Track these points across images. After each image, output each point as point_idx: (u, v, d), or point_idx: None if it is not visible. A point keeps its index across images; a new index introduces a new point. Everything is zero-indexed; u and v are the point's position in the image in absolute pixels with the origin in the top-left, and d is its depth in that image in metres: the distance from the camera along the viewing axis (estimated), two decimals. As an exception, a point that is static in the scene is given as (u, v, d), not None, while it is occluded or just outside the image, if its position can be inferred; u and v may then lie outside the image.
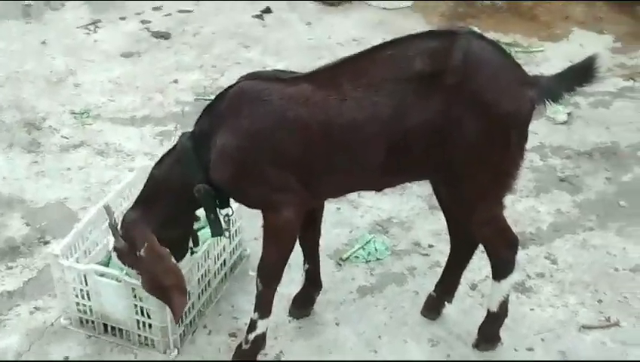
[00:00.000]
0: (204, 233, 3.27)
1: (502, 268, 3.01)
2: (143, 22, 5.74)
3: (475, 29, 2.85)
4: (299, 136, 2.73)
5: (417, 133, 2.66)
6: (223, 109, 2.83)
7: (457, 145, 2.67)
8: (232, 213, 3.09)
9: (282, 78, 2.81)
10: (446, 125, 2.64)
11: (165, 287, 2.89)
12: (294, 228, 2.92)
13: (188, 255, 3.14)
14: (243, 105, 2.78)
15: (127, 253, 2.95)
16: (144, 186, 3.01)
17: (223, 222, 3.05)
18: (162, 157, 3.01)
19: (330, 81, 2.72)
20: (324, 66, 2.80)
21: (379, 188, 3.02)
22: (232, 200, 3.02)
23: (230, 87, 2.86)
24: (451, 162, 2.71)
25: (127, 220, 2.98)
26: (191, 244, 3.17)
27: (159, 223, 2.92)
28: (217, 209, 2.98)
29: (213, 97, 4.76)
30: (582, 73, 2.72)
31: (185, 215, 3.03)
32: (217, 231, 3.03)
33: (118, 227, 3.00)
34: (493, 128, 2.67)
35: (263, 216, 2.92)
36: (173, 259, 2.91)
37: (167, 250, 2.89)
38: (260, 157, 2.78)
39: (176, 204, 2.95)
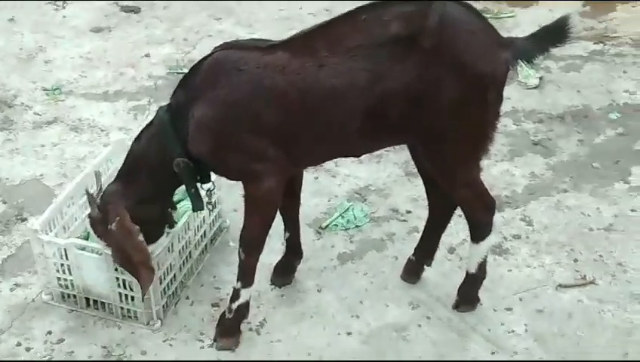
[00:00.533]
0: (183, 205, 3.28)
1: (480, 230, 3.05)
2: (112, -4, 5.68)
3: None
4: (277, 104, 2.73)
5: (395, 96, 2.68)
6: (198, 81, 2.82)
7: (435, 107, 2.70)
8: (214, 187, 3.10)
9: (258, 46, 2.80)
10: (423, 88, 2.67)
11: (133, 263, 2.91)
12: (275, 198, 2.93)
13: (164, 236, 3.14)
14: (219, 76, 2.78)
15: (99, 223, 2.96)
16: (124, 161, 3.00)
17: (204, 196, 3.06)
18: (141, 132, 3.00)
19: (306, 48, 2.72)
20: (301, 33, 2.80)
21: (358, 154, 3.04)
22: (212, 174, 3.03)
23: (205, 58, 2.85)
24: (430, 124, 2.74)
25: (105, 192, 2.98)
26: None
27: (137, 199, 2.92)
28: (197, 183, 2.98)
29: (185, 70, 4.77)
30: (554, 34, 2.77)
31: (164, 192, 3.03)
32: (198, 205, 3.03)
33: (97, 197, 3.00)
34: (470, 89, 2.70)
35: (244, 187, 2.93)
36: (141, 237, 2.90)
37: (137, 227, 2.89)
38: (238, 127, 2.78)
39: (156, 179, 2.95)
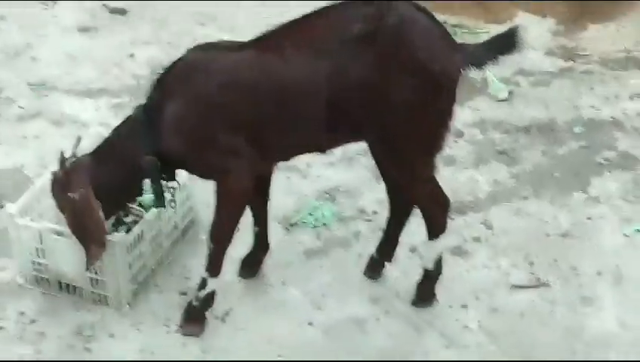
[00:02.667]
0: (146, 198, 3.40)
1: (435, 227, 3.20)
2: (100, -2, 5.81)
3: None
4: (246, 100, 2.88)
5: (354, 92, 2.84)
6: (171, 80, 2.97)
7: (390, 104, 2.86)
8: (178, 185, 3.23)
9: (228, 46, 2.96)
10: (380, 85, 2.83)
11: (86, 234, 3.01)
12: (246, 193, 3.07)
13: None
14: (190, 75, 2.93)
15: (60, 185, 3.04)
16: (99, 144, 3.13)
17: (168, 193, 3.19)
18: (118, 125, 3.14)
19: (272, 46, 2.89)
20: (267, 32, 2.97)
21: (323, 149, 3.18)
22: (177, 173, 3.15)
23: (178, 59, 3.00)
24: (385, 121, 2.89)
25: (77, 160, 3.08)
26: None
27: (102, 181, 3.02)
28: (162, 181, 3.11)
29: (165, 70, 4.89)
30: (504, 43, 2.95)
31: (127, 183, 3.12)
32: (160, 203, 3.17)
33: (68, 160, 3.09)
34: (423, 88, 2.86)
35: (215, 181, 3.06)
36: (101, 214, 3.01)
37: (99, 202, 3.00)
38: (209, 124, 2.92)
39: (123, 170, 3.06)
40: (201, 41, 5.08)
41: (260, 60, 2.87)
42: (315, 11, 2.91)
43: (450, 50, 2.91)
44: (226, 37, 5.27)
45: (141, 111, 3.04)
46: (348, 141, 3.17)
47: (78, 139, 3.22)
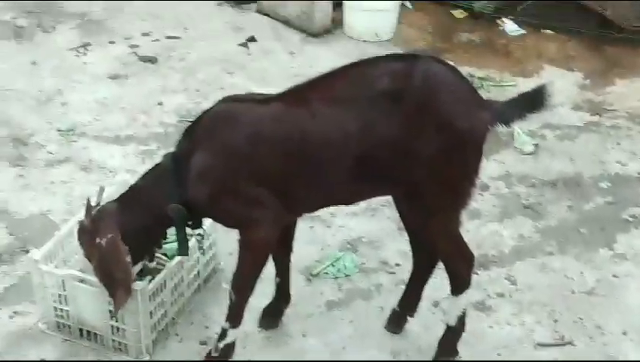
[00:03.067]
0: (168, 246, 3.42)
1: (459, 283, 3.17)
2: (131, 46, 5.91)
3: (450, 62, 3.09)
4: (273, 153, 2.90)
5: (380, 147, 2.85)
6: (200, 131, 3.01)
7: (417, 161, 2.86)
8: (204, 233, 3.25)
9: (255, 99, 2.99)
10: (406, 141, 2.83)
11: (113, 280, 3.03)
12: (269, 245, 3.08)
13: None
14: (218, 127, 2.97)
15: (87, 232, 3.08)
16: (127, 190, 3.17)
17: (196, 240, 3.23)
18: (146, 172, 3.18)
19: (300, 100, 2.91)
20: (295, 86, 3.00)
21: (349, 202, 3.19)
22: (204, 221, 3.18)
23: (207, 110, 3.05)
24: (411, 176, 2.90)
25: (103, 208, 3.12)
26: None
27: (128, 227, 3.04)
28: (187, 229, 3.13)
29: (195, 120, 4.95)
30: (532, 100, 2.95)
31: (153, 230, 3.14)
32: (183, 250, 3.19)
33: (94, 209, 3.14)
34: (449, 145, 2.86)
35: (239, 232, 3.07)
36: (129, 258, 3.03)
37: (127, 248, 3.02)
38: (235, 176, 2.94)
39: (150, 216, 3.08)
40: (229, 89, 5.26)
41: (287, 114, 2.90)
42: (342, 67, 2.94)
43: (478, 107, 2.91)
44: (254, 87, 5.37)
45: (169, 160, 3.08)
46: (374, 195, 3.16)
47: (102, 189, 3.27)
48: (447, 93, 2.86)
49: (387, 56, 2.99)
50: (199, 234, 3.22)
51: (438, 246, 3.10)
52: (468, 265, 3.14)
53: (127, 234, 3.03)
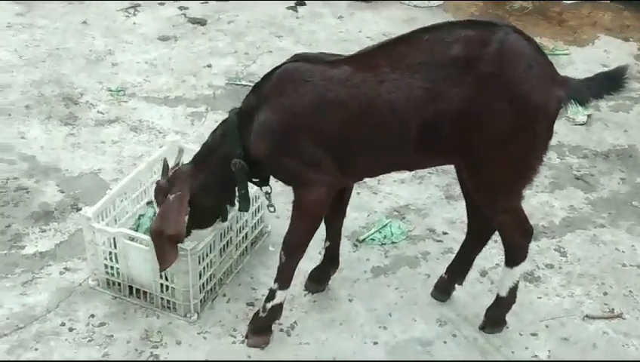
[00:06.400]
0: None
1: (515, 255, 3.13)
2: (180, 8, 5.92)
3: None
4: (337, 116, 2.87)
5: (448, 116, 2.79)
6: (267, 88, 2.99)
7: (484, 133, 2.80)
8: (271, 190, 3.25)
9: (325, 60, 2.96)
10: (475, 112, 2.77)
11: (165, 236, 3.04)
12: (323, 207, 3.07)
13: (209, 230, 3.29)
14: (286, 85, 2.94)
15: (162, 191, 3.14)
16: (200, 149, 3.20)
17: (266, 199, 3.24)
18: (215, 129, 3.19)
19: (369, 64, 2.86)
20: (365, 49, 2.96)
21: (411, 168, 3.16)
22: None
23: (277, 67, 3.02)
24: (477, 148, 2.84)
25: (179, 169, 3.18)
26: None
27: (200, 185, 3.09)
28: (248, 185, 3.14)
29: (244, 82, 4.98)
30: (610, 81, 2.85)
31: (224, 186, 3.17)
32: (244, 205, 3.20)
33: (171, 169, 3.21)
34: (520, 120, 2.78)
35: (294, 192, 3.07)
36: (186, 218, 3.05)
37: (189, 208, 3.04)
38: (298, 135, 2.92)
39: (219, 172, 3.11)
40: (277, 53, 5.25)
41: (355, 78, 2.85)
42: (415, 31, 2.87)
43: (553, 83, 2.82)
44: (303, 51, 5.33)
45: (236, 116, 3.09)
46: (436, 164, 3.12)
47: (181, 152, 3.33)
48: (523, 65, 2.76)
49: (463, 22, 2.90)
50: (267, 192, 3.23)
51: (497, 219, 3.05)
52: (526, 238, 3.10)
53: (198, 194, 3.08)
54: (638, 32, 5.71)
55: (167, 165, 3.24)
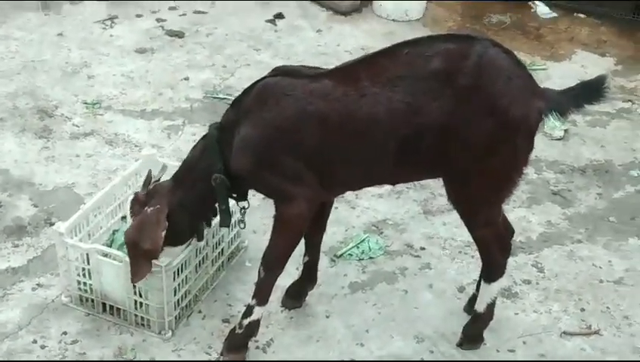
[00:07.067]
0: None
1: (493, 271, 3.13)
2: (158, 20, 5.89)
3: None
4: (318, 130, 2.86)
5: (428, 129, 2.78)
6: (248, 103, 2.97)
7: (464, 146, 2.79)
8: (248, 206, 3.22)
9: (306, 73, 2.94)
10: (455, 125, 2.76)
11: (140, 249, 3.01)
12: (304, 222, 3.04)
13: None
14: (267, 99, 2.92)
15: (139, 203, 3.11)
16: (180, 165, 3.18)
17: (239, 213, 3.21)
18: (195, 144, 3.16)
19: (350, 78, 2.85)
20: (346, 63, 2.95)
21: (393, 182, 3.15)
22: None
23: (257, 81, 3.00)
24: (457, 161, 2.83)
25: (159, 183, 3.16)
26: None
27: (179, 202, 3.05)
28: (229, 200, 3.10)
29: (222, 96, 4.95)
30: (590, 91, 2.85)
31: (202, 203, 3.13)
32: (225, 221, 3.16)
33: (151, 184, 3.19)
34: (501, 132, 2.78)
35: (276, 206, 3.04)
36: (163, 233, 3.01)
37: (167, 224, 3.01)
38: (280, 149, 2.90)
39: (198, 189, 3.08)
40: (256, 66, 5.22)
41: (336, 91, 2.84)
42: (395, 45, 2.86)
43: (533, 95, 2.81)
44: (280, 64, 5.31)
45: (215, 130, 3.06)
46: (416, 178, 3.11)
47: (164, 168, 3.30)
48: (502, 77, 2.76)
49: (443, 35, 2.90)
50: (243, 208, 3.20)
51: (476, 234, 3.05)
52: (505, 254, 3.09)
53: (176, 210, 3.05)
54: (615, 47, 5.75)
55: (151, 177, 3.20)
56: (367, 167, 2.94)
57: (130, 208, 3.17)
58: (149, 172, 3.23)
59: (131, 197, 3.23)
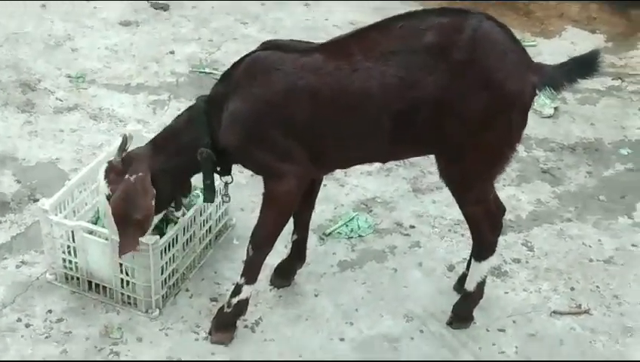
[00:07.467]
0: (194, 201, 3.34)
1: (483, 249, 3.10)
2: (143, -8, 5.78)
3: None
4: (309, 104, 2.80)
5: (422, 104, 2.74)
6: (237, 76, 2.91)
7: (458, 121, 2.75)
8: (232, 180, 3.17)
9: (296, 48, 2.88)
10: (449, 99, 2.72)
11: (131, 219, 2.94)
12: (294, 199, 2.99)
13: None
14: (257, 73, 2.86)
15: (115, 171, 3.00)
16: (161, 131, 3.09)
17: (222, 188, 3.15)
18: (180, 114, 3.10)
19: (342, 52, 2.80)
20: (338, 37, 2.90)
21: (384, 160, 3.11)
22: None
23: (247, 55, 2.93)
24: (451, 136, 2.80)
25: (136, 150, 3.06)
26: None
27: (159, 168, 2.98)
28: (214, 175, 3.05)
29: (208, 70, 4.87)
30: (584, 65, 2.81)
31: (182, 172, 3.08)
32: (210, 197, 3.11)
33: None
34: (494, 107, 2.74)
35: (265, 183, 2.99)
36: (153, 201, 2.95)
37: (154, 191, 2.95)
38: (269, 124, 2.84)
39: (180, 158, 3.02)
40: (243, 40, 5.14)
41: (327, 66, 2.78)
42: (388, 19, 2.81)
43: (527, 69, 2.78)
44: (268, 38, 5.23)
45: (204, 103, 2.99)
46: (409, 155, 3.08)
47: (130, 138, 3.13)
48: (497, 52, 2.72)
49: (437, 9, 2.84)
50: (226, 183, 3.15)
51: (467, 211, 3.02)
52: (496, 232, 3.07)
53: (157, 176, 2.97)
54: (605, 24, 5.70)
55: (126, 142, 3.06)
56: (358, 143, 2.89)
57: (105, 176, 3.05)
58: (124, 137, 3.08)
59: (105, 164, 3.09)
